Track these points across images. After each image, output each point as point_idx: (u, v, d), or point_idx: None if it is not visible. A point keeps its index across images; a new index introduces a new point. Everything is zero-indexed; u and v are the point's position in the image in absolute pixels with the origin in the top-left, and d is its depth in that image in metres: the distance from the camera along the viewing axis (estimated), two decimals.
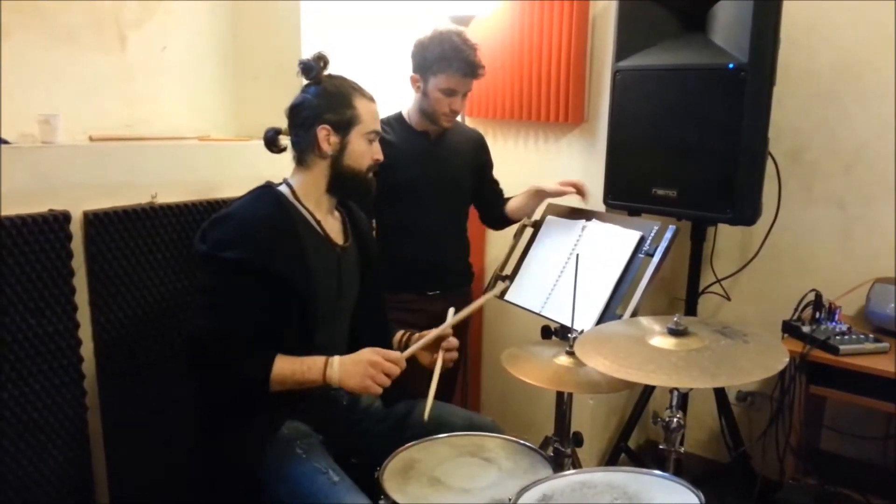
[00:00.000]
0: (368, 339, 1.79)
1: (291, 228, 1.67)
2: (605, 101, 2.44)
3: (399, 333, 1.90)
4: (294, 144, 1.76)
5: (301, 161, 1.75)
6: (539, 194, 2.31)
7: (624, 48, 2.31)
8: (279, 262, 1.61)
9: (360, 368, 1.58)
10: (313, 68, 1.72)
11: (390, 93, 2.38)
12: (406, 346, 1.81)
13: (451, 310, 1.83)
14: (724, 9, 2.15)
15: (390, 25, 2.62)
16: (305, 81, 1.75)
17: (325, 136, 1.70)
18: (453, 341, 1.78)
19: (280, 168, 1.80)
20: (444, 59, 2.12)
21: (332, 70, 1.76)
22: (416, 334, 1.85)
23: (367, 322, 1.87)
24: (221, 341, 1.57)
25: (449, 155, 2.29)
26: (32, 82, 1.94)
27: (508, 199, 2.43)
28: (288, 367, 1.58)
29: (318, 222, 1.74)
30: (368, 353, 1.61)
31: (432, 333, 1.77)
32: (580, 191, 2.30)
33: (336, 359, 1.60)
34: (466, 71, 2.13)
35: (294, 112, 1.74)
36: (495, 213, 2.44)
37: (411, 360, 1.72)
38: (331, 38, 2.40)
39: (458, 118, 2.39)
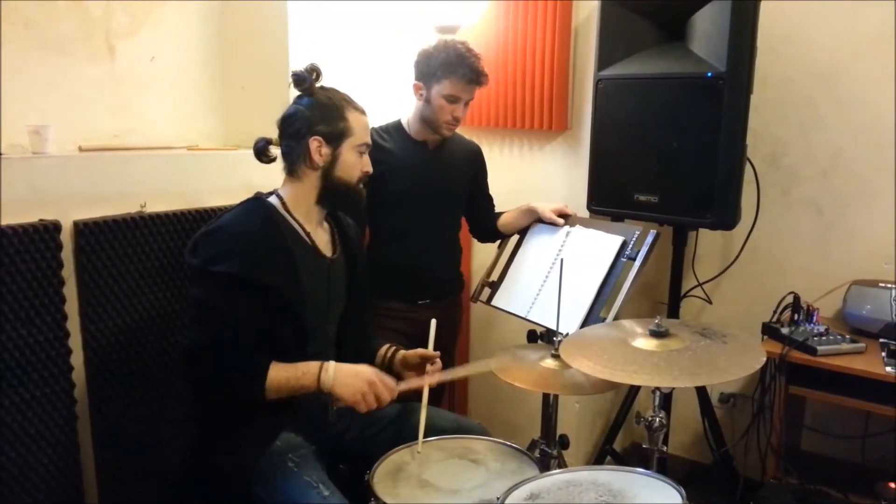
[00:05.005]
0: (352, 348, 1.82)
1: (282, 241, 1.68)
2: (588, 110, 2.49)
3: (384, 348, 1.90)
4: (285, 155, 1.76)
5: (292, 172, 1.75)
6: (531, 213, 2.34)
7: (606, 58, 2.36)
8: (270, 276, 1.62)
9: (356, 383, 1.60)
10: (306, 80, 1.72)
11: (378, 105, 2.41)
12: (391, 361, 1.86)
13: (433, 322, 1.85)
14: (703, 19, 2.20)
15: (377, 39, 2.64)
16: (297, 92, 1.75)
17: (317, 148, 1.71)
18: (438, 364, 1.81)
19: (268, 177, 1.81)
20: (449, 66, 2.13)
21: (321, 82, 1.77)
22: (402, 351, 1.87)
23: (351, 332, 1.88)
24: (216, 353, 1.58)
25: (446, 166, 2.31)
26: (22, 93, 1.95)
27: (500, 213, 2.45)
28: (283, 374, 1.59)
29: (308, 234, 1.75)
30: (369, 372, 1.63)
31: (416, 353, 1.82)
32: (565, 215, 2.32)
33: (332, 364, 1.61)
34: (471, 77, 2.15)
35: (286, 123, 1.74)
36: (486, 225, 2.46)
37: (397, 373, 1.76)
38: (318, 50, 2.42)
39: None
